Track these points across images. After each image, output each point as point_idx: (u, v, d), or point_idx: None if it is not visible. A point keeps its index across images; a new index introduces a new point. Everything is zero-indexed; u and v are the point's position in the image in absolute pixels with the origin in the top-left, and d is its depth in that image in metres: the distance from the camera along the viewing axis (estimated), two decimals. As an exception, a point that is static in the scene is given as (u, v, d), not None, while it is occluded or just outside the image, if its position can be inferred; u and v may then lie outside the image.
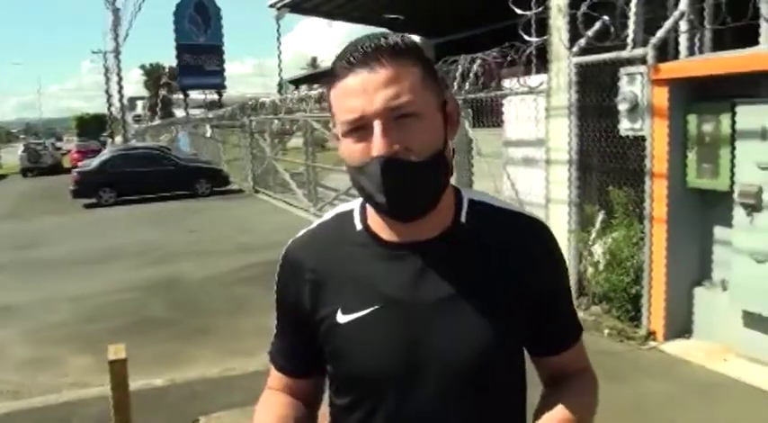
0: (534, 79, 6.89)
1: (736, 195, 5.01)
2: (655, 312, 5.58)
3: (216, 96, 42.63)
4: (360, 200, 1.22)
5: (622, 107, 5.75)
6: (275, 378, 1.33)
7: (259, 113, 17.71)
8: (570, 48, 6.17)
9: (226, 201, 17.86)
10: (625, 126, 5.80)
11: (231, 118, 20.90)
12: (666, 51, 5.66)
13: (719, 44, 5.63)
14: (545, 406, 1.20)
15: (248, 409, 4.82)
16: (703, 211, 5.52)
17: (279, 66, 32.39)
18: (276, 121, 16.75)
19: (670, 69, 5.38)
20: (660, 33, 5.46)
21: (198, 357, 6.02)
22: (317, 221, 1.30)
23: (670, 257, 5.43)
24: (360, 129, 1.06)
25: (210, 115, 28.08)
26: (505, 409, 1.22)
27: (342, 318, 1.16)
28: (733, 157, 5.05)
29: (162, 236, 12.80)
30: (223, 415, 4.44)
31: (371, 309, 1.15)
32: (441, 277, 1.14)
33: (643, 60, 5.54)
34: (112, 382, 3.36)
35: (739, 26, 4.96)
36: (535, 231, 1.23)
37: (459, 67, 7.22)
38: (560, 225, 6.34)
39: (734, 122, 5.00)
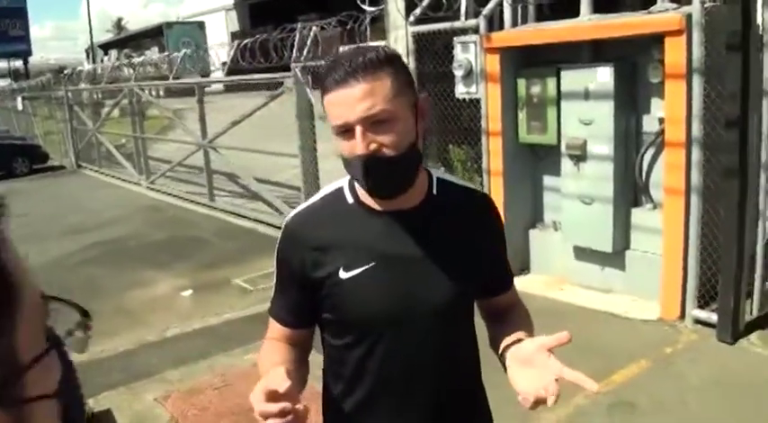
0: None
1: (563, 148, 5.69)
2: (497, 257, 6.23)
3: (21, 64, 39.16)
4: (344, 178, 1.55)
5: (458, 73, 6.26)
6: (276, 330, 1.61)
7: (77, 83, 16.70)
8: (407, 17, 6.56)
9: (49, 179, 16.78)
10: (461, 90, 6.32)
11: (45, 88, 19.45)
12: (501, 22, 6.20)
13: (545, 15, 6.26)
14: (503, 332, 1.54)
15: (133, 385, 4.87)
16: (535, 163, 6.22)
17: (90, 32, 30.42)
18: (92, 92, 15.90)
19: (500, 38, 5.92)
20: (490, 5, 5.97)
21: (62, 344, 5.89)
22: (309, 200, 1.59)
23: (507, 205, 6.05)
24: (346, 131, 1.37)
25: (23, 85, 25.84)
26: (465, 337, 1.60)
27: (344, 274, 1.47)
28: (559, 115, 5.71)
29: (-17, 222, 11.92)
30: (110, 395, 4.48)
31: (369, 265, 1.46)
32: (421, 238, 1.48)
33: (476, 30, 6.05)
34: None
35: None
36: (486, 202, 1.64)
37: (297, 34, 7.38)
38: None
39: (559, 85, 5.65)
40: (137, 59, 14.10)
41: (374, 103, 1.34)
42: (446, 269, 1.49)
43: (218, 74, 12.18)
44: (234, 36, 26.06)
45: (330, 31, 7.53)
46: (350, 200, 1.53)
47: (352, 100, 1.34)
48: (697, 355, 4.53)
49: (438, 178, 1.57)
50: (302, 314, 1.57)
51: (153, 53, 25.56)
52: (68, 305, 0.63)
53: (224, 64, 10.22)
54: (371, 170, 1.37)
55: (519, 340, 1.45)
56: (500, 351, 1.49)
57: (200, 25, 37.47)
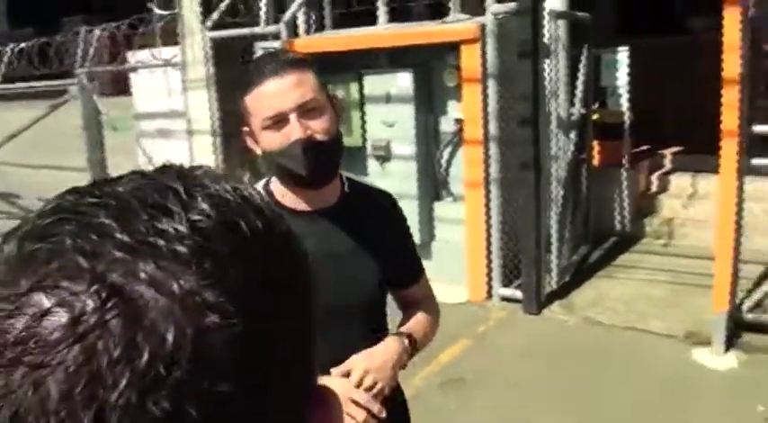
0: (166, 51, 7.03)
1: (369, 149, 6.00)
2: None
3: None
4: (259, 185, 1.61)
5: (260, 78, 6.32)
6: None
7: None
8: (204, 22, 6.49)
9: None
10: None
11: None
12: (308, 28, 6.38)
13: (345, 23, 6.54)
14: (403, 320, 1.75)
15: None
16: (346, 164, 6.44)
17: None
18: None
19: (303, 45, 6.08)
20: (290, 12, 6.12)
21: None
22: None
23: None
24: (279, 122, 1.45)
25: None
26: (382, 323, 1.73)
27: None
28: (363, 118, 6.01)
29: None
30: None
31: None
32: (342, 235, 1.59)
33: (276, 36, 6.16)
34: None
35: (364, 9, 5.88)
36: (393, 200, 1.76)
37: (81, 42, 6.97)
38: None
39: (362, 90, 5.95)
40: None
41: (305, 92, 1.45)
42: (368, 263, 1.61)
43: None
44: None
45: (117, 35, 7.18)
46: None
47: (286, 89, 1.43)
48: (508, 328, 5.06)
49: (348, 178, 1.68)
50: None
51: None
52: None
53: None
54: (309, 153, 1.44)
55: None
56: None
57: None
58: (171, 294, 0.36)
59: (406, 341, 1.63)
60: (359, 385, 1.50)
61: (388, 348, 1.59)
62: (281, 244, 0.43)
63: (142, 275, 0.37)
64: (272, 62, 1.48)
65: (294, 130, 1.44)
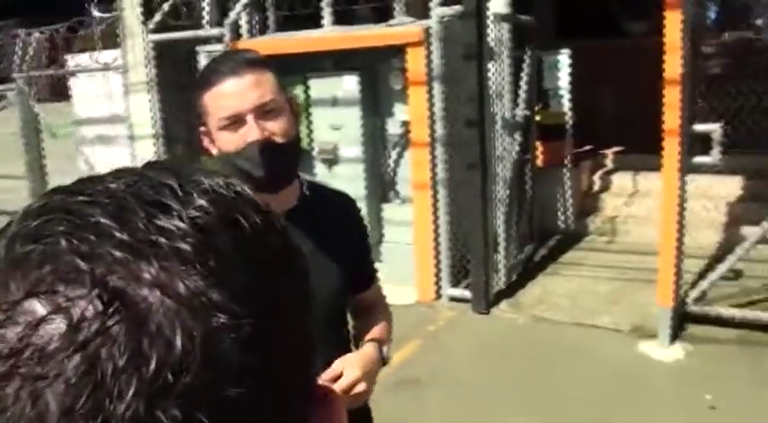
0: (106, 55, 6.89)
1: (315, 152, 5.98)
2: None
3: None
4: None
5: (204, 82, 6.23)
6: None
7: None
8: (145, 24, 6.38)
9: None
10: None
11: None
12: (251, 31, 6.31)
13: (290, 26, 6.50)
14: (365, 325, 1.72)
15: None
16: (291, 168, 6.42)
17: None
18: None
19: (246, 47, 6.03)
20: (233, 14, 6.06)
21: None
22: None
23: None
24: (236, 122, 1.42)
25: None
26: (344, 326, 1.72)
27: None
28: (309, 121, 5.99)
29: None
30: None
31: None
32: (304, 237, 1.55)
33: (219, 39, 6.09)
34: None
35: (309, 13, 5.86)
36: (351, 202, 1.75)
37: (20, 42, 6.77)
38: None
39: (308, 93, 5.92)
40: None
41: (264, 93, 1.42)
42: (329, 267, 1.59)
43: None
44: None
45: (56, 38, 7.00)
46: None
47: (244, 89, 1.40)
48: (458, 327, 5.11)
49: (306, 180, 1.65)
50: None
51: None
52: None
53: None
54: (266, 155, 1.41)
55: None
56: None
57: None
58: (177, 296, 0.35)
59: (381, 350, 1.62)
60: (348, 390, 1.46)
61: (371, 355, 1.58)
62: (280, 240, 0.42)
63: (145, 276, 0.35)
64: (230, 61, 1.45)
65: (251, 132, 1.40)
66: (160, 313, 0.34)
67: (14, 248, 0.36)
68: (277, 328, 0.39)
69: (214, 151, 1.50)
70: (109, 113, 7.17)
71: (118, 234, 0.35)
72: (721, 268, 4.50)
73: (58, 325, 0.33)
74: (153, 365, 0.33)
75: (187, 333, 0.34)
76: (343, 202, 1.72)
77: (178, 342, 0.34)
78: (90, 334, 0.33)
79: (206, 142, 1.52)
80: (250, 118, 1.40)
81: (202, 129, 1.51)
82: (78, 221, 0.36)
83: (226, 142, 1.44)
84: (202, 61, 6.20)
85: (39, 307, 0.34)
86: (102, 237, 0.35)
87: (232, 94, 1.40)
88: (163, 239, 0.36)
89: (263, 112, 1.42)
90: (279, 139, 1.43)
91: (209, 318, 0.35)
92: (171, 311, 0.35)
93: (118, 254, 0.35)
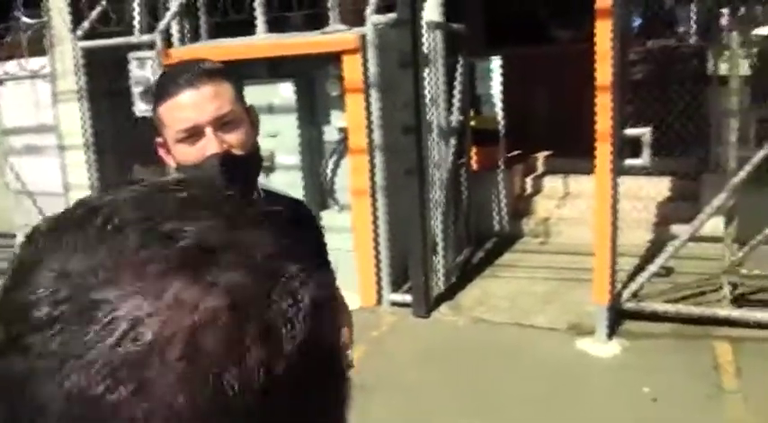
0: (34, 62, 6.68)
1: (253, 161, 5.95)
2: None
3: None
4: None
5: (137, 90, 6.13)
6: None
7: None
8: (74, 30, 6.22)
9: None
10: (141, 108, 6.19)
11: None
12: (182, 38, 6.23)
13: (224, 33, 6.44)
14: None
15: None
16: (227, 177, 6.36)
17: None
18: None
19: (179, 55, 5.93)
20: (164, 21, 5.98)
21: None
22: None
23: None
24: (194, 135, 1.41)
25: None
26: None
27: None
28: (246, 129, 5.95)
29: None
30: None
31: None
32: None
33: (150, 46, 6.00)
34: None
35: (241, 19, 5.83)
36: (308, 210, 1.79)
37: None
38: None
39: (244, 100, 5.88)
40: None
41: (222, 105, 1.41)
42: None
43: None
44: None
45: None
46: None
47: (202, 101, 1.39)
48: (400, 332, 5.17)
49: (262, 189, 1.65)
50: None
51: None
52: None
53: None
54: (227, 168, 1.39)
55: None
56: None
57: None
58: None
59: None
60: None
61: None
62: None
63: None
64: (188, 72, 1.43)
65: (210, 144, 1.40)
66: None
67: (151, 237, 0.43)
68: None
69: (171, 163, 1.49)
70: (37, 122, 6.95)
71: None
72: (654, 266, 4.68)
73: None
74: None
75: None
76: (300, 209, 1.73)
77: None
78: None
79: (162, 153, 1.50)
80: (209, 131, 1.39)
81: (158, 140, 1.49)
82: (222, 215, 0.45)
83: (184, 155, 1.42)
84: (135, 69, 6.10)
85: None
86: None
87: (189, 106, 1.39)
88: None
89: (221, 123, 1.41)
90: (238, 152, 1.43)
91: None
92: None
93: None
